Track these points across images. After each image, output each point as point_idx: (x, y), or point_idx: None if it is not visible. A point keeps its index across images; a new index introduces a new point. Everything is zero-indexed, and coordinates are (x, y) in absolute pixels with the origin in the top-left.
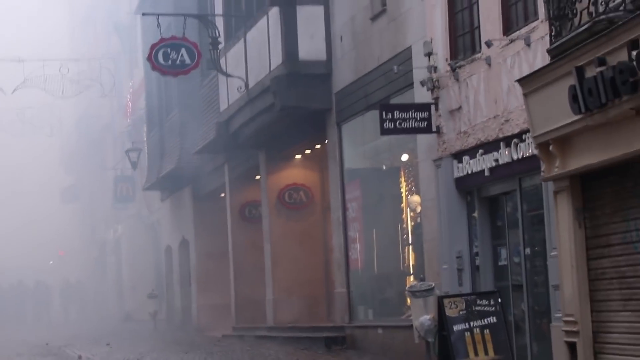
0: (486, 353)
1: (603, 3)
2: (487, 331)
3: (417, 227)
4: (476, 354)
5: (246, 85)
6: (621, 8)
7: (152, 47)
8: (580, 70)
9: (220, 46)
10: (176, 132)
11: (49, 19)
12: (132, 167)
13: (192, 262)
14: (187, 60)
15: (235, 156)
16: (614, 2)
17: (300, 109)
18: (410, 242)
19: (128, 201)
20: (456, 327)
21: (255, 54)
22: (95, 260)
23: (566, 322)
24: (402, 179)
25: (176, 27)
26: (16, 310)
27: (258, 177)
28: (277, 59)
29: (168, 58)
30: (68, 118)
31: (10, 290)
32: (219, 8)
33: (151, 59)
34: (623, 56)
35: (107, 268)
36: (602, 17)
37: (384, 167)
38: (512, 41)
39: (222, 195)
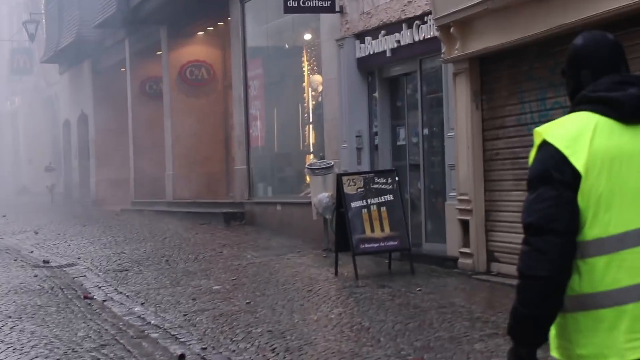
0: (382, 229)
1: None
2: (383, 208)
3: (318, 107)
4: (372, 230)
5: None
6: None
7: None
8: None
9: None
10: (75, 3)
11: None
12: (30, 39)
13: (91, 137)
14: None
15: (137, 31)
16: None
17: None
18: (310, 121)
19: (25, 73)
20: (354, 204)
21: None
22: None
23: (460, 200)
24: (305, 58)
25: None
26: None
27: (159, 52)
28: None
29: None
30: None
31: None
32: None
33: None
34: None
35: (2, 141)
36: None
37: (287, 46)
38: None
39: (123, 70)
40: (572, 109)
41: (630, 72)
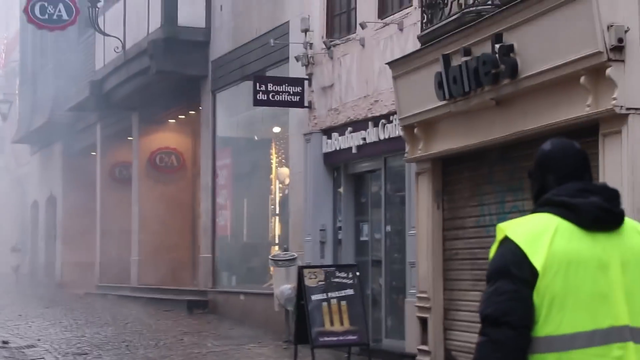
0: (342, 323)
1: None
2: (343, 302)
3: (284, 199)
4: (332, 323)
5: (123, 46)
6: (489, 2)
7: (28, 0)
8: (447, 58)
9: (100, 4)
10: (49, 86)
11: None
12: (2, 119)
13: (59, 218)
14: (65, 16)
15: (108, 116)
16: None
17: (176, 74)
18: (277, 212)
19: None
20: (314, 297)
21: (134, 16)
22: None
23: (420, 298)
24: (273, 151)
25: None
26: None
27: (130, 138)
28: (155, 22)
29: (45, 12)
30: None
31: None
32: None
33: (27, 11)
34: (487, 48)
35: None
36: (471, 9)
37: (256, 138)
38: (386, 25)
39: (93, 153)
40: (535, 210)
41: (593, 181)
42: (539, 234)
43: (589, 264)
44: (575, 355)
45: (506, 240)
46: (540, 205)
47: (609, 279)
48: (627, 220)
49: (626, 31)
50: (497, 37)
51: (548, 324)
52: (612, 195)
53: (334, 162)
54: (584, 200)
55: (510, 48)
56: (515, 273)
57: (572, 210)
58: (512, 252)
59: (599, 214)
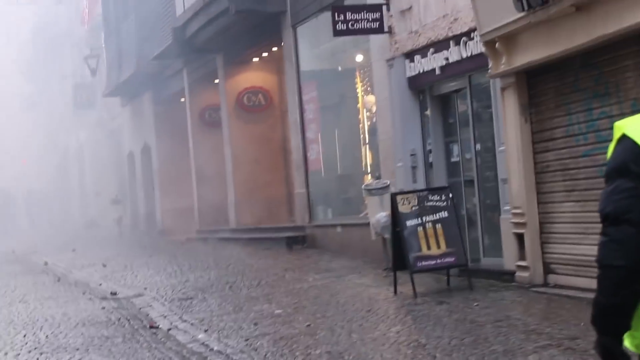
0: (439, 246)
1: None
2: (439, 225)
3: (373, 127)
4: (429, 247)
5: None
6: None
7: None
8: None
9: None
10: (133, 37)
11: None
12: (92, 74)
13: (155, 167)
14: None
15: (193, 60)
16: None
17: (255, 12)
18: (367, 141)
19: (88, 107)
20: (409, 223)
21: None
22: (57, 168)
23: (514, 214)
24: (358, 80)
25: None
26: None
27: (217, 81)
28: None
29: None
30: (25, 26)
31: None
32: None
33: None
34: None
35: (69, 175)
36: None
37: (340, 69)
38: None
39: (182, 99)
40: None
41: None
42: None
43: None
44: None
45: (624, 138)
46: None
47: None
48: None
49: None
50: None
51: None
52: None
53: (419, 85)
54: None
55: None
56: (634, 170)
57: None
58: (630, 149)
59: None
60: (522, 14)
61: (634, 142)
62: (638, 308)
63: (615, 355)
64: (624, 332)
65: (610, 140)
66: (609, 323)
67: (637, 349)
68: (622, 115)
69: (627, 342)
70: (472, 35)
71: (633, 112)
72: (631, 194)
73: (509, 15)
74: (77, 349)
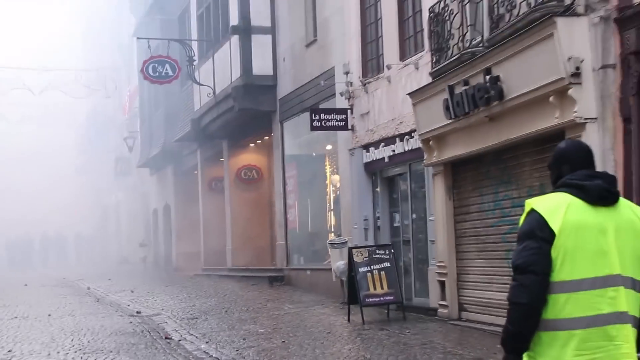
0: (382, 288)
1: (467, 41)
2: (382, 272)
3: (336, 198)
4: (375, 288)
5: (213, 92)
6: (480, 45)
7: (144, 62)
8: (451, 88)
9: (195, 63)
10: (162, 125)
11: (67, 34)
12: (129, 150)
13: (173, 220)
14: (170, 73)
15: (205, 144)
16: (475, 40)
17: (253, 110)
18: (332, 208)
19: (125, 175)
20: (361, 269)
21: (220, 69)
22: (100, 219)
23: (439, 266)
24: (327, 163)
25: (162, 47)
26: (42, 255)
27: (222, 159)
28: (236, 73)
29: (156, 70)
30: (81, 114)
31: (39, 240)
32: (194, 34)
33: (143, 71)
34: (480, 79)
35: (109, 224)
36: (468, 50)
37: (314, 154)
38: (405, 65)
39: (195, 172)
40: (554, 190)
41: (596, 169)
42: (556, 207)
43: (592, 229)
44: (581, 295)
45: (532, 211)
46: (558, 187)
47: (607, 240)
48: (621, 199)
49: (581, 61)
50: (487, 70)
51: (562, 272)
52: (611, 180)
53: (372, 169)
54: (591, 183)
55: (497, 78)
56: (538, 235)
57: (582, 190)
58: (536, 220)
59: (602, 193)
60: (450, 121)
61: (539, 215)
62: (534, 335)
63: None
64: (523, 352)
65: (511, 216)
66: (513, 345)
67: None
68: (521, 197)
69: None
70: (412, 134)
71: (529, 196)
72: (536, 252)
73: (440, 121)
74: (111, 352)
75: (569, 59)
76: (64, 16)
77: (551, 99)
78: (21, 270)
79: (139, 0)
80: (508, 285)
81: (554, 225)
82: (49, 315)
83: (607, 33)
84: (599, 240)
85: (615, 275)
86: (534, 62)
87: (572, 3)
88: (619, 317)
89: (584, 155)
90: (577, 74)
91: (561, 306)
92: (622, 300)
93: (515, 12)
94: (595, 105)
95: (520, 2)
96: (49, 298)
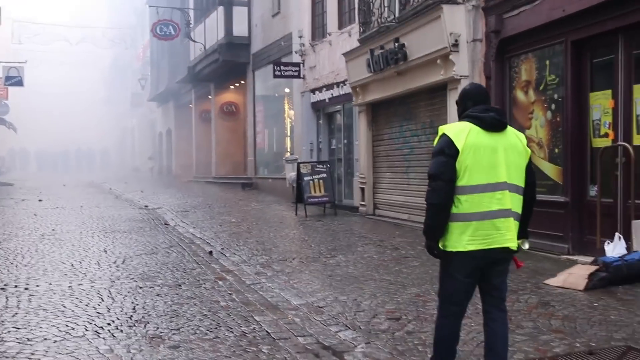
0: (320, 191)
1: (384, 18)
2: (321, 181)
3: (292, 127)
4: (315, 191)
5: (204, 47)
6: (392, 21)
7: (154, 24)
8: (372, 51)
9: (191, 25)
10: (166, 70)
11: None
12: (142, 88)
13: (173, 141)
14: (173, 32)
15: (197, 85)
16: (389, 17)
17: (233, 62)
18: (288, 135)
19: (139, 106)
20: (306, 178)
21: (210, 31)
22: (119, 138)
23: (360, 177)
24: (285, 102)
25: (167, 13)
26: (76, 163)
27: (210, 97)
28: (221, 34)
29: (162, 30)
30: (106, 60)
31: (74, 152)
32: (191, 4)
33: (153, 30)
34: (392, 45)
35: (126, 142)
36: (384, 24)
37: (276, 95)
38: (342, 33)
39: (190, 106)
40: (460, 120)
41: (492, 105)
42: (461, 131)
43: (487, 148)
44: (476, 197)
45: (443, 135)
46: (463, 117)
47: (497, 156)
48: (509, 127)
49: (459, 36)
50: (397, 40)
51: (463, 179)
52: (501, 113)
53: (317, 107)
54: (486, 115)
55: (403, 45)
56: (447, 152)
57: (479, 120)
58: (446, 141)
59: (494, 122)
60: (370, 74)
61: (448, 137)
62: (447, 227)
63: (433, 250)
64: (439, 239)
65: (410, 142)
66: (431, 234)
67: (442, 247)
68: (417, 129)
69: (440, 244)
70: (345, 82)
71: (423, 128)
72: (444, 164)
73: (364, 74)
74: (125, 232)
75: (451, 34)
76: None
77: (438, 61)
78: (60, 174)
79: None
80: (407, 191)
81: (459, 145)
82: (81, 206)
83: (477, 17)
84: (491, 156)
85: (502, 182)
86: (428, 35)
87: None
88: (503, 213)
89: (482, 94)
90: (455, 44)
91: (462, 204)
92: (507, 200)
93: None
94: (467, 67)
95: None
96: (81, 195)
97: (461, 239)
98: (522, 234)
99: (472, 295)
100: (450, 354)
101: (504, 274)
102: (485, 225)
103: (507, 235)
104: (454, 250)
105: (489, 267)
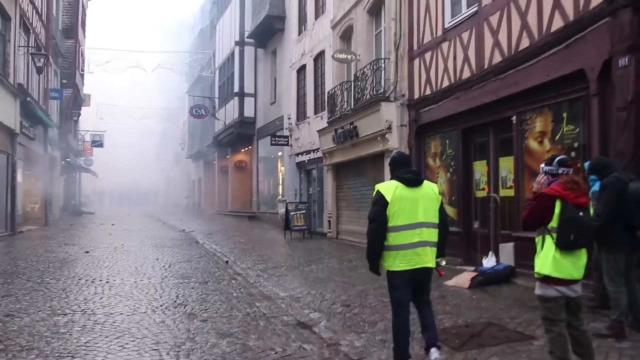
0: (301, 222)
1: (344, 108)
2: (301, 214)
3: (283, 179)
4: (298, 222)
5: (225, 123)
6: (349, 110)
7: (191, 107)
8: (336, 130)
9: (216, 109)
10: (198, 138)
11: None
12: (181, 149)
13: (202, 186)
14: (203, 113)
15: (220, 148)
16: (347, 108)
17: (244, 134)
18: (280, 184)
19: (179, 162)
20: (291, 213)
21: (229, 112)
22: (165, 183)
23: (328, 213)
24: (279, 161)
25: (200, 100)
26: (135, 201)
27: (228, 156)
28: (236, 115)
29: (197, 111)
30: (159, 130)
31: (135, 192)
32: (217, 94)
33: (190, 111)
34: (349, 126)
35: (170, 187)
36: (344, 112)
37: (272, 156)
38: (317, 117)
39: (214, 162)
40: (391, 179)
41: (413, 168)
42: (389, 188)
43: (408, 199)
44: (402, 233)
45: (378, 191)
46: (393, 177)
47: (416, 204)
48: (425, 182)
49: (392, 122)
50: (351, 123)
51: (392, 221)
52: (418, 173)
53: (300, 166)
54: (407, 175)
55: (356, 127)
56: (380, 203)
57: (402, 179)
58: (379, 195)
59: (412, 180)
60: (334, 145)
61: (381, 193)
62: (382, 254)
63: (373, 270)
64: (377, 262)
65: (361, 191)
66: (371, 259)
67: (386, 267)
68: (364, 183)
69: (384, 265)
70: (318, 150)
71: (368, 182)
72: (378, 211)
73: (330, 144)
74: (170, 247)
75: (386, 121)
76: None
77: (378, 138)
78: (126, 207)
79: (189, 74)
80: (359, 222)
81: (388, 198)
82: (140, 229)
83: (403, 111)
84: (412, 204)
85: (420, 222)
86: (372, 120)
87: (389, 95)
88: (422, 244)
89: (405, 160)
90: (389, 128)
91: (392, 238)
92: (424, 234)
93: (365, 97)
94: (397, 142)
95: (367, 92)
96: (140, 222)
97: (395, 262)
98: (439, 254)
99: (410, 300)
100: (405, 343)
101: (428, 283)
102: (410, 253)
103: (425, 259)
104: (393, 269)
105: (417, 280)
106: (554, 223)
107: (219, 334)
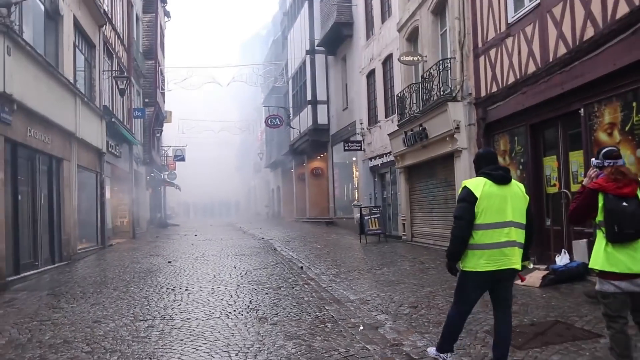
0: (376, 225)
1: (413, 110)
2: (376, 218)
3: (358, 183)
4: (373, 226)
5: (300, 131)
6: (418, 112)
7: (267, 117)
8: (406, 132)
9: (291, 117)
10: (275, 147)
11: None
12: (260, 159)
13: (281, 194)
14: (279, 123)
15: (296, 156)
16: (416, 110)
17: (318, 141)
18: (355, 188)
19: (258, 172)
20: (366, 217)
21: (303, 121)
22: (246, 193)
23: (402, 216)
24: (353, 167)
25: (275, 110)
26: (217, 212)
27: (304, 164)
28: (310, 123)
29: (272, 121)
30: (237, 141)
31: (217, 203)
32: (291, 103)
33: (266, 122)
34: (418, 128)
35: (250, 196)
36: (413, 115)
37: (347, 162)
38: (387, 120)
39: (292, 170)
40: (477, 175)
41: (500, 164)
42: (478, 184)
43: (497, 196)
44: (489, 232)
45: (465, 187)
46: (479, 174)
47: (505, 202)
48: (513, 180)
49: (460, 122)
50: (421, 125)
51: (480, 219)
52: (507, 170)
53: (373, 170)
54: (496, 172)
55: (425, 128)
56: (467, 199)
57: (491, 176)
58: (467, 192)
59: (502, 177)
60: (405, 148)
61: (468, 189)
62: (464, 253)
63: (452, 269)
64: (458, 261)
65: (433, 193)
66: (452, 257)
67: (462, 268)
68: (436, 184)
69: (460, 265)
70: (390, 153)
71: (439, 183)
72: (466, 208)
73: (401, 147)
74: (248, 255)
75: (454, 121)
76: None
77: (447, 138)
78: (208, 218)
79: (264, 85)
80: (432, 225)
81: (477, 194)
82: (221, 239)
83: (470, 110)
84: (500, 202)
85: (508, 221)
86: (440, 121)
87: (456, 95)
88: (510, 243)
89: (492, 157)
90: (457, 127)
91: (479, 237)
92: (512, 234)
93: (432, 98)
94: (466, 142)
95: (434, 93)
96: (221, 231)
97: (479, 262)
98: (525, 257)
99: (476, 302)
100: (455, 337)
101: (510, 288)
102: (497, 252)
103: (513, 259)
104: (472, 270)
105: (498, 282)
106: (600, 217)
107: (286, 336)
